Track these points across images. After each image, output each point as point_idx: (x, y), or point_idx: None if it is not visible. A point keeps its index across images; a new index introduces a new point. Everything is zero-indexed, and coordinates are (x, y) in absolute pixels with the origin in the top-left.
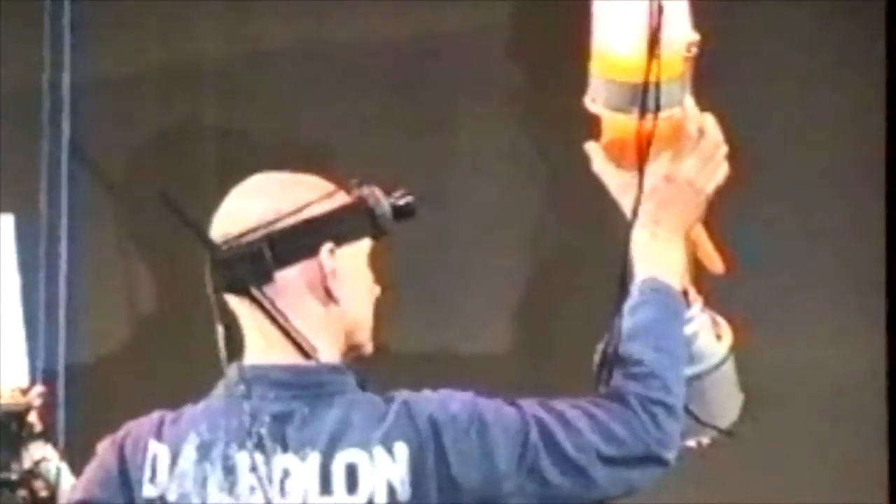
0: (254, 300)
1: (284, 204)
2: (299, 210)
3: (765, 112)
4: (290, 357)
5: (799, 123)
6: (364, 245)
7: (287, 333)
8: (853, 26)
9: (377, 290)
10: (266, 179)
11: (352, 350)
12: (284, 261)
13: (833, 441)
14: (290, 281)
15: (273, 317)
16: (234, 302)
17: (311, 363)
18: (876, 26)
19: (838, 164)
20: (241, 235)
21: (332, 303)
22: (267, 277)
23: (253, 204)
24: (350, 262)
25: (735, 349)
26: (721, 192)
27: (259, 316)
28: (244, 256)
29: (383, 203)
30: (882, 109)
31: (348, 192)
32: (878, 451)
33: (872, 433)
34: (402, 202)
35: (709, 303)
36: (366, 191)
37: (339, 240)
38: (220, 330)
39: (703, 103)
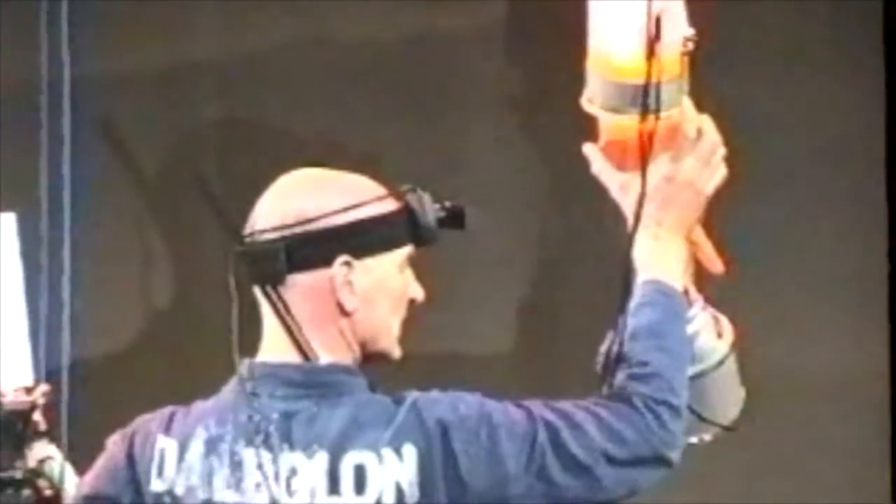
0: (267, 296)
1: (310, 209)
2: (322, 218)
3: (764, 112)
4: (299, 355)
5: (798, 123)
6: (398, 254)
7: (292, 334)
8: (852, 26)
9: (419, 293)
10: (305, 178)
11: (374, 357)
12: (298, 266)
13: (835, 440)
14: (303, 285)
15: (281, 316)
16: (260, 296)
17: (323, 363)
18: (875, 26)
19: (838, 163)
20: (263, 232)
21: (343, 313)
22: (279, 278)
23: (282, 203)
24: (373, 273)
25: (737, 348)
26: (721, 192)
27: (269, 312)
28: (260, 254)
29: (428, 211)
30: (882, 108)
31: (398, 198)
32: (881, 449)
33: (875, 432)
34: (445, 212)
35: (710, 302)
36: (413, 198)
37: (360, 252)
38: (234, 320)
39: (703, 103)
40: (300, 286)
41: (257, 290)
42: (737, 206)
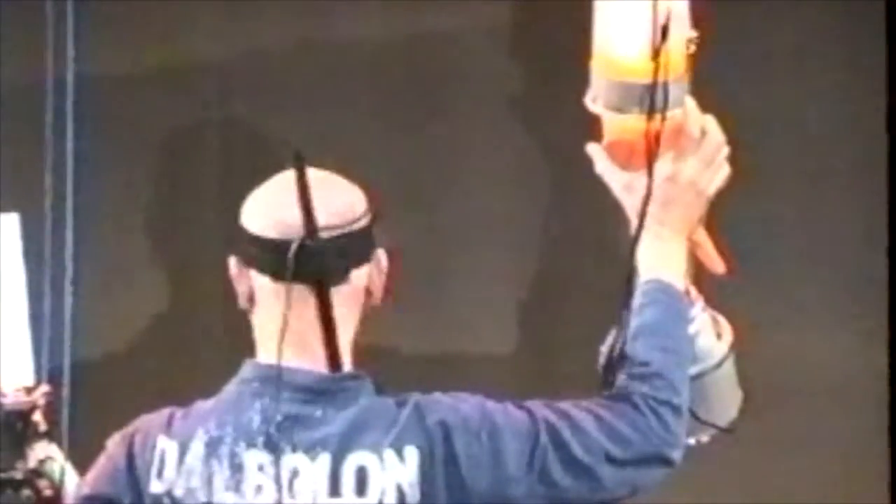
0: (321, 297)
1: (357, 205)
2: (369, 212)
3: (765, 111)
4: (308, 361)
5: (800, 122)
6: None
7: (329, 339)
8: (854, 24)
9: None
10: (327, 175)
11: None
12: (359, 261)
13: (834, 439)
14: (357, 282)
15: (327, 319)
16: (268, 295)
17: (331, 373)
18: (877, 24)
19: (839, 162)
20: (327, 229)
21: (373, 302)
22: (344, 275)
23: (335, 199)
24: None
25: (735, 349)
26: (723, 191)
27: (293, 314)
28: (331, 250)
29: None
30: (883, 107)
31: None
32: (880, 449)
33: (873, 431)
34: None
35: (710, 301)
36: None
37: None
38: (282, 322)
39: (704, 103)
40: (354, 282)
41: (284, 291)
42: (737, 206)
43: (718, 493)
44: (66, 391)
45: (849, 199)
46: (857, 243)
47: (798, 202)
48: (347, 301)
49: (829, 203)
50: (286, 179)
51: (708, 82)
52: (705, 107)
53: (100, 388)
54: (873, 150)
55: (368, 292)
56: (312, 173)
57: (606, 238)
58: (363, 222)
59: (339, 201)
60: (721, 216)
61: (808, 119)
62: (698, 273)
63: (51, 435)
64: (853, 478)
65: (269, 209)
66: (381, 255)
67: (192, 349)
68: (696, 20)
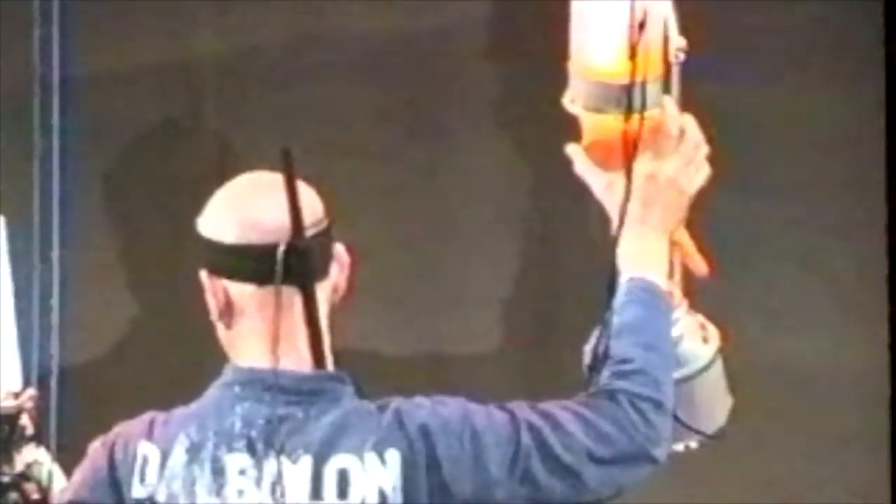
0: (307, 296)
1: (319, 201)
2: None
3: (761, 111)
4: (291, 362)
5: (796, 121)
6: None
7: (315, 338)
8: (851, 25)
9: None
10: (274, 179)
11: None
12: (331, 258)
13: (834, 440)
14: (332, 279)
15: (313, 318)
16: (251, 302)
17: (313, 371)
18: (875, 25)
19: (837, 162)
20: (310, 227)
21: (337, 298)
22: (325, 272)
23: (306, 197)
24: None
25: (723, 353)
26: (719, 192)
27: (268, 316)
28: (315, 248)
29: None
30: (882, 106)
31: None
32: (880, 450)
33: (874, 432)
34: None
35: (709, 300)
36: None
37: None
38: (273, 326)
39: (698, 103)
40: (324, 283)
41: (254, 292)
42: (734, 207)
43: (716, 491)
44: (53, 395)
45: (847, 200)
46: (856, 243)
47: (796, 203)
48: (325, 299)
49: (828, 202)
50: (248, 183)
51: (702, 82)
52: (699, 107)
53: (87, 392)
54: (872, 150)
55: (335, 289)
56: (270, 176)
57: (588, 238)
58: (327, 219)
59: (309, 199)
60: (718, 218)
61: (804, 118)
62: (687, 276)
63: (38, 439)
64: (854, 475)
65: (240, 216)
66: (341, 250)
67: (179, 353)
68: (694, 20)
